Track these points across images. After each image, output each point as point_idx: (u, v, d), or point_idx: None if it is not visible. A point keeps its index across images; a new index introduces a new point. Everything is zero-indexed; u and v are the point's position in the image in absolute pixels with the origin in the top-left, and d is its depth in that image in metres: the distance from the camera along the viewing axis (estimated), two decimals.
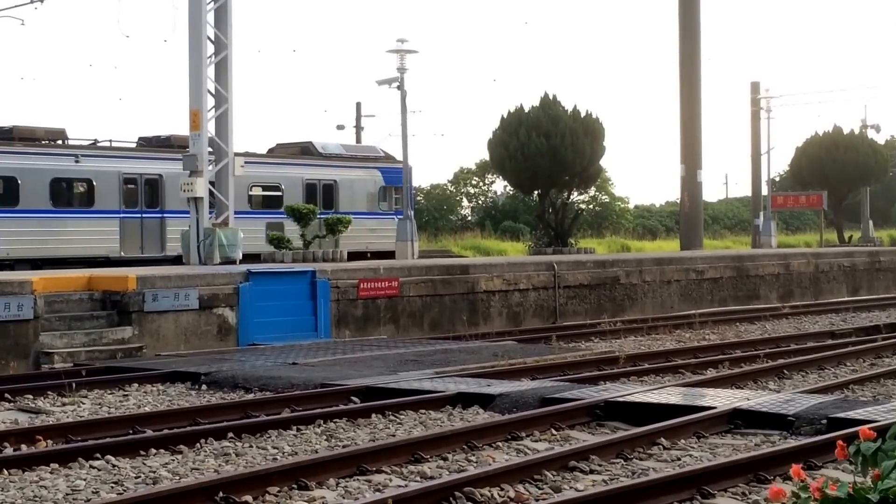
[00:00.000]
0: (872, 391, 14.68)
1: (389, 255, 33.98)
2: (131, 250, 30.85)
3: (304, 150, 36.47)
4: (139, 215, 31.46)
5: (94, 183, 30.80)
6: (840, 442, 4.51)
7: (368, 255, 34.24)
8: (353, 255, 31.28)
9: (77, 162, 30.56)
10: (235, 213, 25.22)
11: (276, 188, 34.62)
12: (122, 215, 31.16)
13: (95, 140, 32.55)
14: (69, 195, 30.90)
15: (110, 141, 32.71)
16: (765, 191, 53.29)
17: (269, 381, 14.88)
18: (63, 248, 29.30)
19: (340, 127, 61.01)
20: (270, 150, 36.98)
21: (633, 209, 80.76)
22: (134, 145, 32.89)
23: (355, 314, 22.08)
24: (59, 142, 31.47)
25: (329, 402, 13.37)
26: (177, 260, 27.96)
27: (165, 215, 31.80)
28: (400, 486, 9.13)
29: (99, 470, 9.91)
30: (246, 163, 32.50)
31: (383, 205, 37.54)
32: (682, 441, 10.92)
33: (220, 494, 8.57)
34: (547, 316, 25.77)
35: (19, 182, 29.36)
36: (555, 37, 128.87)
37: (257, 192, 34.18)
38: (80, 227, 30.23)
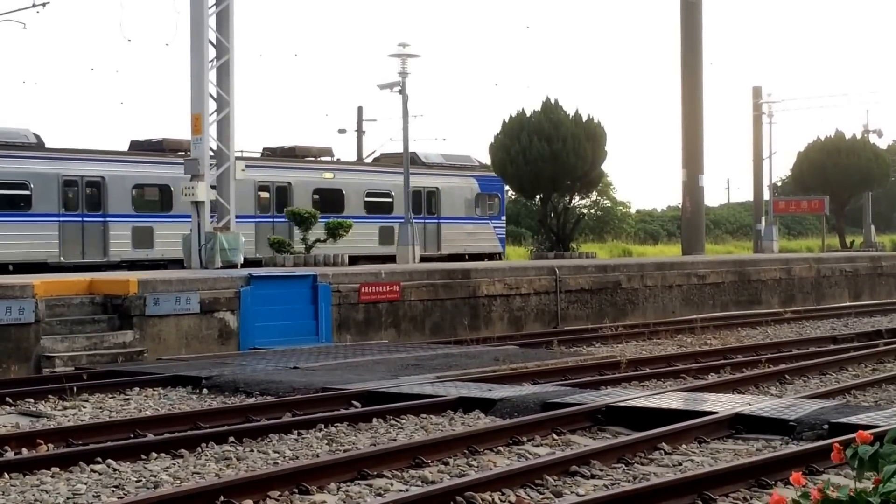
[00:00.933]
0: (874, 396, 14.67)
1: (485, 256, 39.06)
2: (265, 252, 32.86)
3: (413, 161, 38.48)
4: (271, 220, 34.38)
5: (171, 189, 32.39)
6: (836, 444, 4.51)
7: (466, 256, 38.53)
8: (454, 257, 36.16)
9: None
10: (354, 217, 29.53)
11: (388, 195, 37.77)
12: (256, 220, 33.92)
13: None
14: (155, 201, 32.86)
15: (241, 151, 34.88)
16: (766, 195, 53.24)
17: (270, 386, 14.87)
18: (154, 252, 31.75)
19: (342, 131, 60.92)
20: (376, 160, 40.11)
21: (634, 214, 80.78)
22: (259, 155, 36.07)
23: (357, 318, 22.06)
24: None
25: (330, 407, 13.36)
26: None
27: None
28: (401, 491, 9.13)
29: (100, 474, 9.91)
30: (357, 171, 37.70)
31: (478, 210, 41.01)
32: (684, 446, 10.91)
33: (221, 498, 8.57)
34: (548, 320, 25.76)
35: (172, 190, 31.72)
36: (556, 41, 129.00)
37: (371, 199, 37.39)
38: (170, 230, 32.08)
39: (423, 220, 37.82)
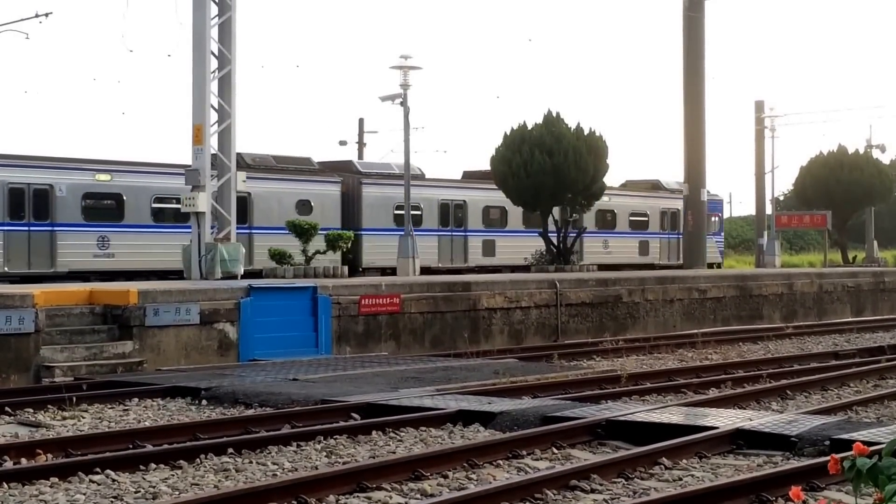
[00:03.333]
0: (876, 413, 14.62)
1: (709, 265, 45.07)
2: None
3: (655, 186, 48.56)
4: (538, 234, 40.76)
5: (507, 209, 40.48)
6: (833, 456, 4.47)
7: None
8: (657, 266, 44.59)
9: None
10: (623, 233, 42.18)
11: (644, 214, 46.91)
12: (530, 233, 39.67)
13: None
14: (497, 219, 41.30)
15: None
16: (769, 210, 53.28)
17: (269, 397, 14.84)
18: (495, 259, 40.09)
19: (343, 142, 60.77)
20: (623, 185, 48.01)
21: None
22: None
23: (356, 330, 22.03)
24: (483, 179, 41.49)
25: (329, 419, 13.33)
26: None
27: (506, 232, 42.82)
28: None
29: (99, 484, 9.88)
30: (623, 195, 46.64)
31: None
32: (684, 461, 10.87)
33: None
34: (549, 334, 25.72)
35: (508, 210, 40.29)
36: (558, 54, 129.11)
37: (633, 218, 46.15)
38: (506, 243, 41.04)
39: (667, 236, 47.29)
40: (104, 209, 31.95)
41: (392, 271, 34.46)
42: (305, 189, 36.42)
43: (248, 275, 24.76)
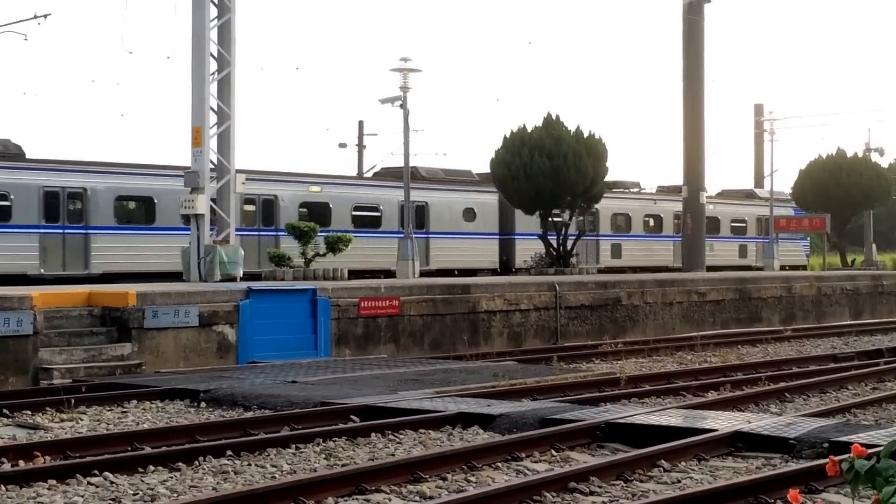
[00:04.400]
0: (875, 415, 14.62)
1: (797, 267, 51.45)
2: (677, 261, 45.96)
3: (749, 195, 54.53)
4: (672, 238, 47.73)
5: (631, 216, 46.46)
6: (832, 458, 4.47)
7: (786, 267, 49.64)
8: (782, 267, 48.55)
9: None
10: (725, 238, 49.03)
11: (743, 220, 52.25)
12: (674, 238, 46.46)
13: (638, 184, 49.37)
14: (622, 225, 46.12)
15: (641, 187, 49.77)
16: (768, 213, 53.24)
17: (268, 400, 14.83)
18: (621, 261, 44.46)
19: (342, 145, 60.83)
20: (720, 194, 53.19)
21: None
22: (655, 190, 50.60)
23: (356, 333, 22.02)
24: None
25: (328, 421, 13.32)
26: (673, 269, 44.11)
27: (662, 237, 48.54)
28: None
29: (97, 487, 9.87)
30: (718, 203, 50.74)
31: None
32: (683, 463, 10.87)
33: None
34: (548, 336, 25.71)
35: (632, 217, 46.34)
36: (558, 57, 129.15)
37: (733, 224, 51.32)
38: (647, 246, 46.60)
39: (762, 240, 51.61)
40: (316, 216, 34.81)
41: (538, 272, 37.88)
42: (469, 198, 40.31)
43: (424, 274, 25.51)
